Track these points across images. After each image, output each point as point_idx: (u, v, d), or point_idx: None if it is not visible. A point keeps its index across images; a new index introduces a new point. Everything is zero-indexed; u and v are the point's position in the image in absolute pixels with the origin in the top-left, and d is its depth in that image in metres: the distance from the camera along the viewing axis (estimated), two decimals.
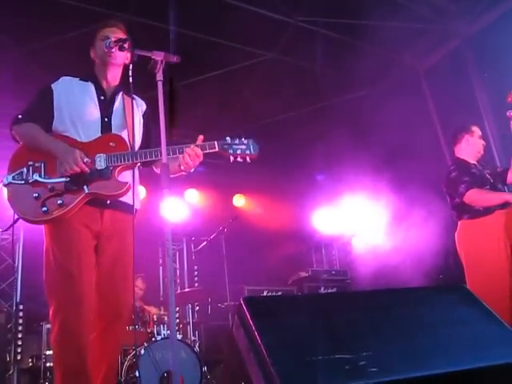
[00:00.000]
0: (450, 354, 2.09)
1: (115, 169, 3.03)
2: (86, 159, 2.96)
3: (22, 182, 2.95)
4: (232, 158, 3.16)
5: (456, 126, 5.07)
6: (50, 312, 2.92)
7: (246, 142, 3.19)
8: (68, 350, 2.82)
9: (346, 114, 7.67)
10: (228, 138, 3.16)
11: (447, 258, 6.17)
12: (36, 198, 2.90)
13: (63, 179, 2.94)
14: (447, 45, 7.03)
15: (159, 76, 2.81)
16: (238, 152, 3.15)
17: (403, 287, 2.90)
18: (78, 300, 2.87)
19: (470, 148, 4.83)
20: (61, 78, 3.21)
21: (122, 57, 3.21)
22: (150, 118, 3.41)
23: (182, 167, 3.11)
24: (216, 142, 3.14)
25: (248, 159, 3.20)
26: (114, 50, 3.11)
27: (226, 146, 3.14)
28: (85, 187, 2.95)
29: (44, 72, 5.78)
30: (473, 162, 4.80)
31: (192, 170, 3.17)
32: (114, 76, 3.30)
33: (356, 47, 6.77)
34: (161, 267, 8.99)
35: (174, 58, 2.90)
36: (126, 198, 3.11)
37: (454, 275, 5.94)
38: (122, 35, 3.21)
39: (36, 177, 2.95)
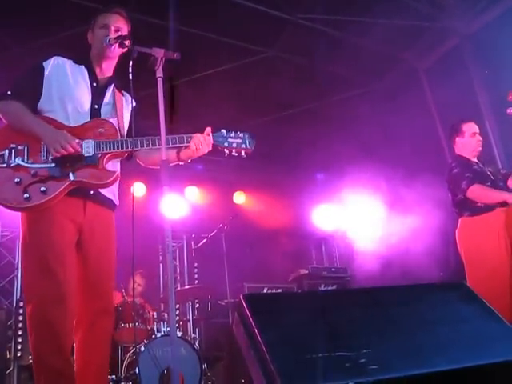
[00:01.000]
0: (449, 352, 2.09)
1: (103, 156, 2.90)
2: (76, 140, 2.84)
3: (4, 165, 2.77)
4: (227, 152, 3.06)
5: (450, 126, 5.05)
6: (28, 311, 2.76)
7: (241, 135, 3.09)
8: (52, 353, 2.69)
9: (345, 111, 7.67)
10: (223, 131, 3.08)
11: (447, 256, 6.18)
12: (17, 183, 2.73)
13: (47, 165, 2.81)
14: (447, 43, 7.02)
15: (159, 73, 2.80)
16: (234, 145, 3.05)
17: (403, 284, 2.89)
18: (62, 299, 2.75)
19: (463, 148, 4.82)
20: (53, 57, 3.09)
21: (120, 50, 3.11)
22: (137, 113, 3.30)
23: (189, 153, 3.01)
24: (211, 135, 3.05)
25: (243, 153, 3.09)
26: (113, 46, 3.06)
27: (220, 139, 3.05)
28: (70, 174, 2.80)
29: None
30: (473, 159, 4.79)
31: (189, 161, 3.09)
32: (108, 66, 3.23)
33: (356, 45, 6.77)
34: (161, 264, 8.99)
35: (174, 55, 2.89)
36: (108, 193, 3.06)
37: (455, 272, 5.95)
38: (122, 24, 3.16)
39: (18, 161, 2.78)
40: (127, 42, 2.97)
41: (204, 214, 9.07)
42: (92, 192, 2.97)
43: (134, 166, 3.21)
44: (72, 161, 2.83)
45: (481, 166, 4.73)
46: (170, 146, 2.95)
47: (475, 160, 4.79)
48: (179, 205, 8.83)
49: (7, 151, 2.80)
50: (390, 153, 7.11)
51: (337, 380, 1.87)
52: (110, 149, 2.90)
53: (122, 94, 3.26)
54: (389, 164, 7.14)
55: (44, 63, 3.06)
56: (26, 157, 2.81)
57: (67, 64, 3.12)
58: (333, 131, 7.90)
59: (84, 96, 3.07)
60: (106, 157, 2.91)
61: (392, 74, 7.51)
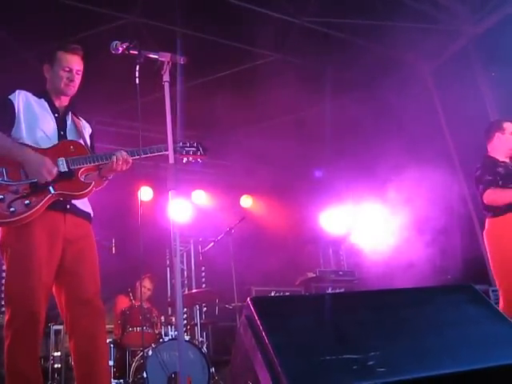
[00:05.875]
0: (457, 354, 2.09)
1: (78, 171, 3.13)
2: (55, 169, 3.05)
3: None
4: (185, 159, 3.44)
5: (489, 124, 5.04)
6: (6, 318, 2.93)
7: (195, 144, 3.46)
8: (22, 355, 2.87)
9: (352, 114, 7.65)
10: (180, 142, 3.43)
11: (456, 258, 6.16)
12: (1, 200, 2.90)
13: (28, 181, 2.98)
14: (454, 45, 7.01)
15: (166, 77, 2.83)
16: (190, 153, 3.43)
17: (411, 287, 2.89)
18: (37, 304, 2.92)
19: (500, 145, 4.78)
20: (16, 91, 3.26)
21: (76, 87, 3.36)
22: (94, 140, 3.55)
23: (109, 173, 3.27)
24: (163, 146, 3.22)
25: (199, 160, 3.47)
26: (73, 84, 3.30)
27: (179, 149, 3.40)
28: (50, 188, 3.01)
29: None
30: (503, 159, 4.74)
31: (110, 177, 3.36)
32: (65, 98, 3.42)
33: (363, 47, 6.76)
34: (168, 268, 9.01)
35: (181, 60, 2.92)
36: (83, 207, 3.28)
37: (462, 275, 5.93)
38: (81, 65, 3.34)
39: None
40: (134, 46, 2.99)
41: (211, 218, 9.08)
42: (68, 206, 3.17)
43: (140, 170, 3.29)
44: None
45: (510, 165, 4.70)
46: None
47: (505, 160, 4.75)
48: (186, 209, 8.86)
49: None
50: (397, 155, 7.10)
51: (344, 383, 1.86)
52: (82, 164, 3.14)
53: (79, 120, 3.48)
54: (396, 167, 7.12)
55: (10, 97, 3.23)
56: (5, 176, 2.97)
57: (30, 97, 3.30)
58: (340, 134, 7.88)
59: (50, 124, 3.28)
60: (80, 171, 3.15)
61: (398, 76, 7.49)
